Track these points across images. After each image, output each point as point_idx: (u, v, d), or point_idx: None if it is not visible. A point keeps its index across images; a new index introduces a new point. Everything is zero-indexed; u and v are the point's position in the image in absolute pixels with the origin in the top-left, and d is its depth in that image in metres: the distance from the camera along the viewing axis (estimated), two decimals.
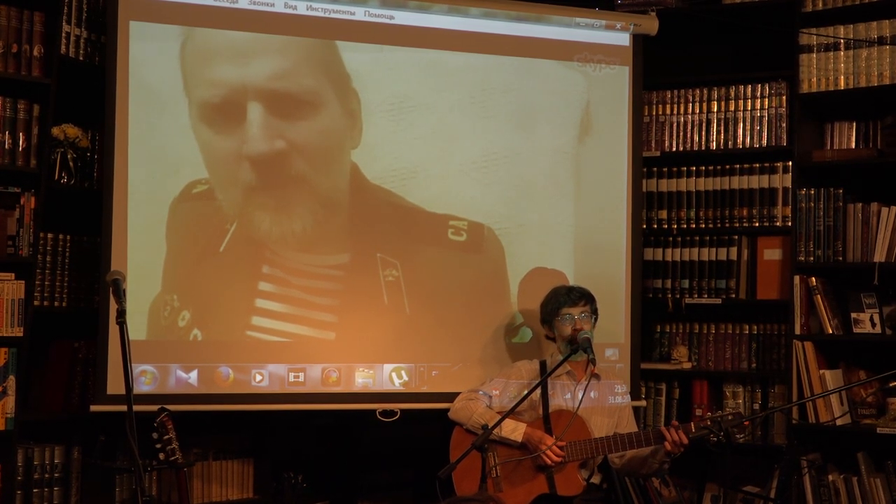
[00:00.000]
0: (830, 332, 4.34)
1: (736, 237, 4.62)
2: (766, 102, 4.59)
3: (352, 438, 4.65)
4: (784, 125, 4.55)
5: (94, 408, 3.90)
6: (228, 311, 4.05)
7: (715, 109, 4.69)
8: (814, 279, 4.36)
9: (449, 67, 4.32)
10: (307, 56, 4.16)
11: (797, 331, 4.37)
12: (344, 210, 4.19)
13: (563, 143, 4.45)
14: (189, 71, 4.03)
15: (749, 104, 4.62)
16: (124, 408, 2.91)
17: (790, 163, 4.50)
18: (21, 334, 3.83)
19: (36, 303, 3.92)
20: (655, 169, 4.76)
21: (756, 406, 4.58)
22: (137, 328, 3.89)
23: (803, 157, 4.47)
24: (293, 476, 4.30)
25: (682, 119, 4.74)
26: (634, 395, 4.39)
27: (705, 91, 4.70)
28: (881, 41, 4.28)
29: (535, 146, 4.41)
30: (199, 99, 4.02)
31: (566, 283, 4.27)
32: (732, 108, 4.65)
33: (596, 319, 4.00)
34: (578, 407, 3.80)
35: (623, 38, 4.55)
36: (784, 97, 4.55)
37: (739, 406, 4.56)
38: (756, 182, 4.59)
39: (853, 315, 4.32)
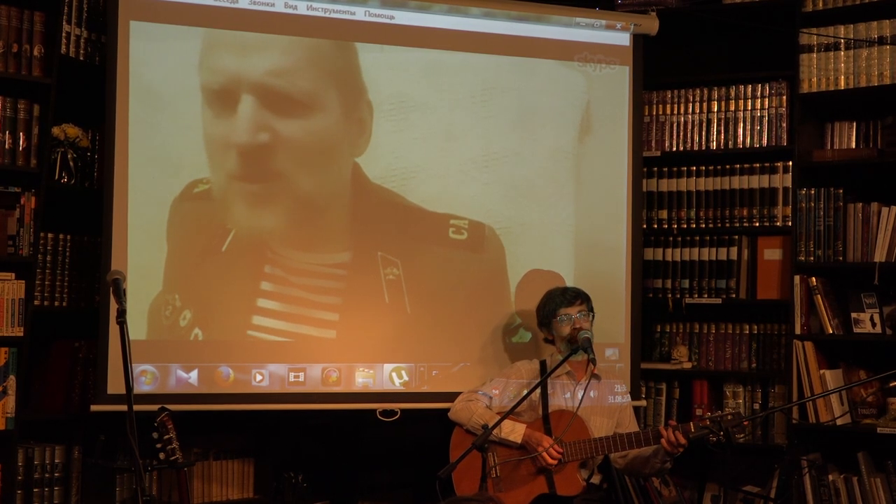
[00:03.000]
0: (831, 332, 4.33)
1: (736, 237, 4.62)
2: (767, 102, 4.59)
3: (352, 438, 4.65)
4: (784, 125, 4.55)
5: (94, 407, 3.90)
6: (230, 310, 4.05)
7: (715, 109, 4.68)
8: (814, 279, 4.35)
9: (449, 67, 4.32)
10: (320, 57, 4.15)
11: (797, 331, 4.37)
12: (345, 209, 4.19)
13: (563, 142, 4.45)
14: (204, 59, 4.03)
15: (749, 104, 4.62)
16: (124, 407, 2.91)
17: (790, 163, 4.50)
18: (21, 334, 3.83)
19: (36, 302, 3.92)
20: (656, 169, 4.76)
21: (756, 406, 4.58)
22: (138, 328, 3.90)
23: (803, 157, 4.47)
24: (293, 476, 4.30)
25: (682, 119, 4.74)
26: (634, 395, 4.39)
27: (705, 91, 4.70)
28: (881, 41, 4.27)
29: (536, 146, 4.41)
30: (206, 87, 4.01)
31: (562, 283, 4.27)
32: (732, 108, 4.65)
33: (593, 317, 4.00)
34: (579, 407, 3.80)
35: (623, 38, 4.55)
36: (784, 97, 4.55)
37: (739, 406, 4.56)
38: (756, 182, 4.59)
39: (853, 315, 4.32)
